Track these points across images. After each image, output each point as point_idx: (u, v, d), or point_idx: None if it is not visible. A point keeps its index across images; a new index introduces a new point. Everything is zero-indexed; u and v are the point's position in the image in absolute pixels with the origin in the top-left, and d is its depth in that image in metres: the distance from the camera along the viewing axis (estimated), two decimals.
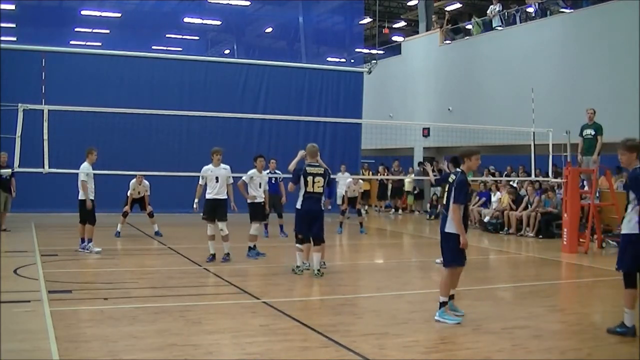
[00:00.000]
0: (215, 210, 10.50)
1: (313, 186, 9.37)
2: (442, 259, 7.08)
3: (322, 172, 9.55)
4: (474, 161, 6.84)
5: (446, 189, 6.88)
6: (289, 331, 6.29)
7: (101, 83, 18.01)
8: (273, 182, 13.67)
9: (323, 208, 9.65)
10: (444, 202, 6.90)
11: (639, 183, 6.29)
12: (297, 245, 9.62)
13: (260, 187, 11.52)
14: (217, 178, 10.55)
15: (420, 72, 24.66)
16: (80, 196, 11.26)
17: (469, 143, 19.83)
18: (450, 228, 6.72)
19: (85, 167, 11.24)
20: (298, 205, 9.51)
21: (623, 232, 6.43)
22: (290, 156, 10.17)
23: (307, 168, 9.47)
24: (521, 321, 6.91)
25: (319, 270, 9.42)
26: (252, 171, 11.44)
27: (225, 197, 10.59)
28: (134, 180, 14.21)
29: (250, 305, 7.54)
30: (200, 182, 10.74)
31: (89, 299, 7.70)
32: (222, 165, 10.69)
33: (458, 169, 6.89)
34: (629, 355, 5.90)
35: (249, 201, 11.37)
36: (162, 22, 26.63)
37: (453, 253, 6.78)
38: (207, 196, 10.54)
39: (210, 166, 10.65)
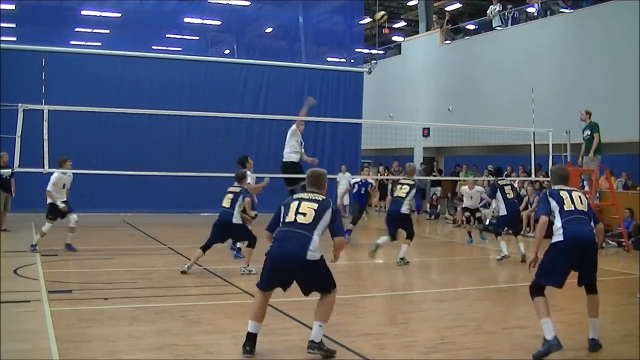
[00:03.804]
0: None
1: (399, 191, 11.13)
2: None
3: (411, 183, 11.17)
4: None
5: None
6: (289, 331, 6.29)
7: (101, 83, 17.97)
8: (362, 192, 13.57)
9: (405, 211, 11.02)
10: None
11: None
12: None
13: None
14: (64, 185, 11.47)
15: (420, 72, 24.65)
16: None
17: (469, 143, 19.91)
18: None
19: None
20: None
21: None
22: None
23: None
24: (521, 321, 6.91)
25: (401, 259, 10.87)
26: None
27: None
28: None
29: (250, 305, 7.54)
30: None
31: (89, 299, 7.69)
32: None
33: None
34: (629, 355, 5.90)
35: None
36: (162, 22, 26.57)
37: None
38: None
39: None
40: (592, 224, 5.82)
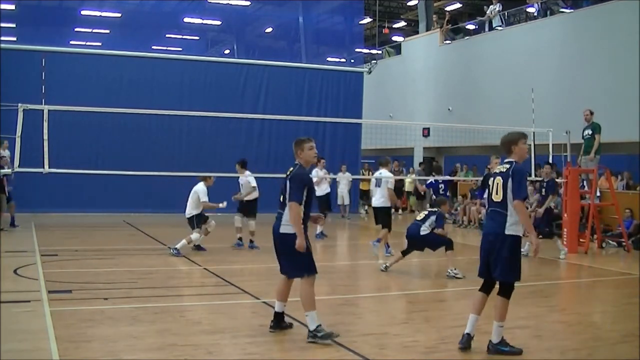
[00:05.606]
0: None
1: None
2: None
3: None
4: None
5: None
6: (289, 331, 6.29)
7: (101, 83, 17.96)
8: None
9: None
10: None
11: None
12: None
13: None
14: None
15: (420, 72, 24.66)
16: (382, 203, 11.76)
17: (469, 143, 19.89)
18: None
19: (389, 174, 11.89)
20: None
21: None
22: (289, 155, 10.23)
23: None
24: (521, 321, 6.90)
25: None
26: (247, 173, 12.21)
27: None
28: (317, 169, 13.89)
29: (250, 305, 7.55)
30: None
31: (89, 299, 7.69)
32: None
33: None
34: (629, 355, 5.90)
35: (248, 199, 12.12)
36: (162, 22, 26.60)
37: None
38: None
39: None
40: (505, 213, 5.60)
